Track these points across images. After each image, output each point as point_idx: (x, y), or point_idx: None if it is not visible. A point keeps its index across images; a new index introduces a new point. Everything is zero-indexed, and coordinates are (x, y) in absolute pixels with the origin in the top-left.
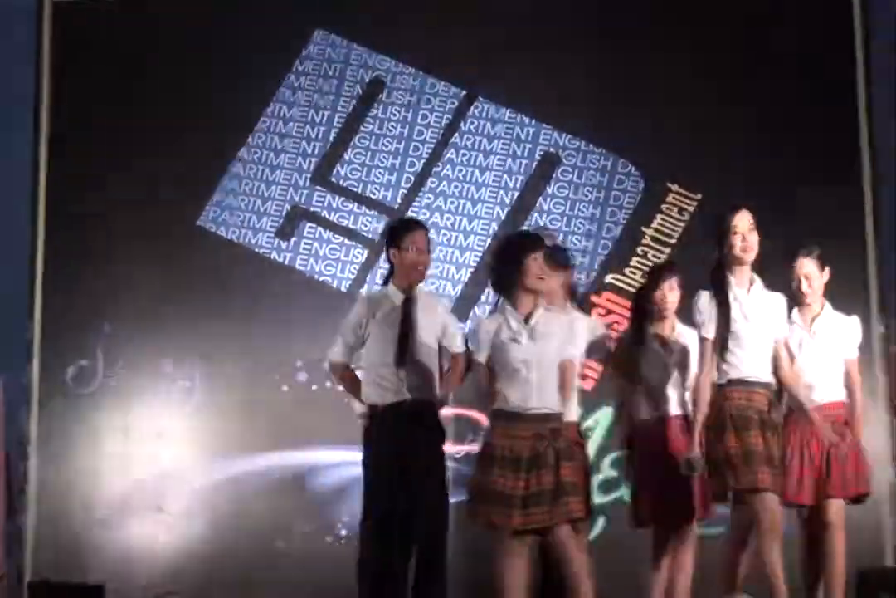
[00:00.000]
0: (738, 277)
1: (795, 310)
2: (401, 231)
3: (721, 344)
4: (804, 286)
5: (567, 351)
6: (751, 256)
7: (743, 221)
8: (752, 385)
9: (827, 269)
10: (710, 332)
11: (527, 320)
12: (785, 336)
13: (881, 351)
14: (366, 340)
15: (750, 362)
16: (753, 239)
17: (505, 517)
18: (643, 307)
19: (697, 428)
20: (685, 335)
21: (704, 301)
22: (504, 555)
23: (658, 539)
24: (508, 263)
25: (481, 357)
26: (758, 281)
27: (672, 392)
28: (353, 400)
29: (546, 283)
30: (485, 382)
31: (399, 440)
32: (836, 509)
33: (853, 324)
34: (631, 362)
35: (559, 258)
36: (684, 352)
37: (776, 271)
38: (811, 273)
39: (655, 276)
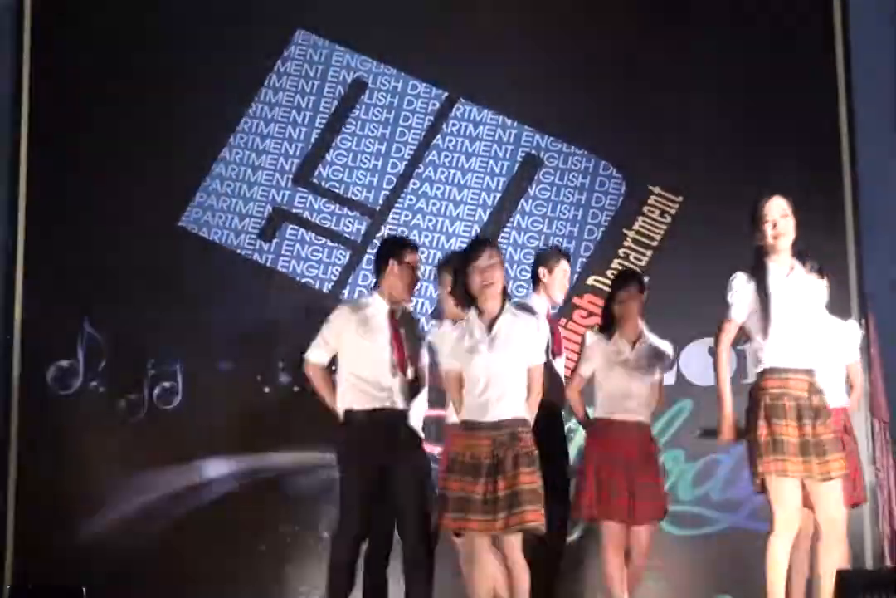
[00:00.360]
0: (775, 263)
1: None
2: (406, 247)
3: (761, 331)
4: None
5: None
6: (784, 241)
7: (773, 209)
8: (789, 372)
9: (825, 279)
10: (736, 315)
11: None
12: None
13: (861, 354)
14: (346, 345)
15: (787, 349)
16: (785, 225)
17: (464, 522)
18: (610, 313)
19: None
20: (651, 342)
21: (739, 283)
22: (469, 561)
23: (609, 535)
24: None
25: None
26: (797, 266)
27: (632, 396)
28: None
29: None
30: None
31: (375, 448)
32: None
33: (851, 328)
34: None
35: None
36: (649, 357)
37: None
38: None
39: (619, 283)
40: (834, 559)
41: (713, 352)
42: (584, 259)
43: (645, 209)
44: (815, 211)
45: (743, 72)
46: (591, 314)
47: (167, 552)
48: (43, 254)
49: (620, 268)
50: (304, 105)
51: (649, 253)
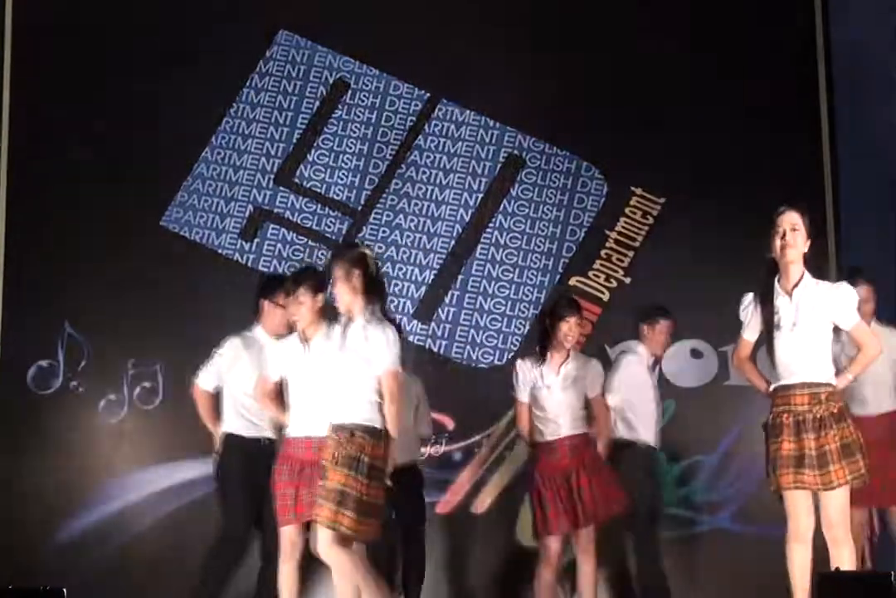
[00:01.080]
0: (783, 279)
1: None
2: (278, 290)
3: (767, 349)
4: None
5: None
6: (792, 254)
7: (786, 222)
8: (790, 388)
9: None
10: (748, 334)
11: None
12: (853, 325)
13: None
14: (234, 375)
15: (790, 367)
16: (793, 237)
17: None
18: (545, 339)
19: None
20: (580, 364)
21: (746, 302)
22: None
23: (548, 549)
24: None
25: None
26: (806, 277)
27: (566, 417)
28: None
29: None
30: None
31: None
32: None
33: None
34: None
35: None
36: (579, 380)
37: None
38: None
39: (557, 312)
40: (844, 562)
41: (696, 354)
42: (565, 260)
43: (627, 210)
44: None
45: (725, 72)
46: None
47: (147, 552)
48: (24, 253)
49: (603, 269)
50: (286, 105)
51: (631, 254)
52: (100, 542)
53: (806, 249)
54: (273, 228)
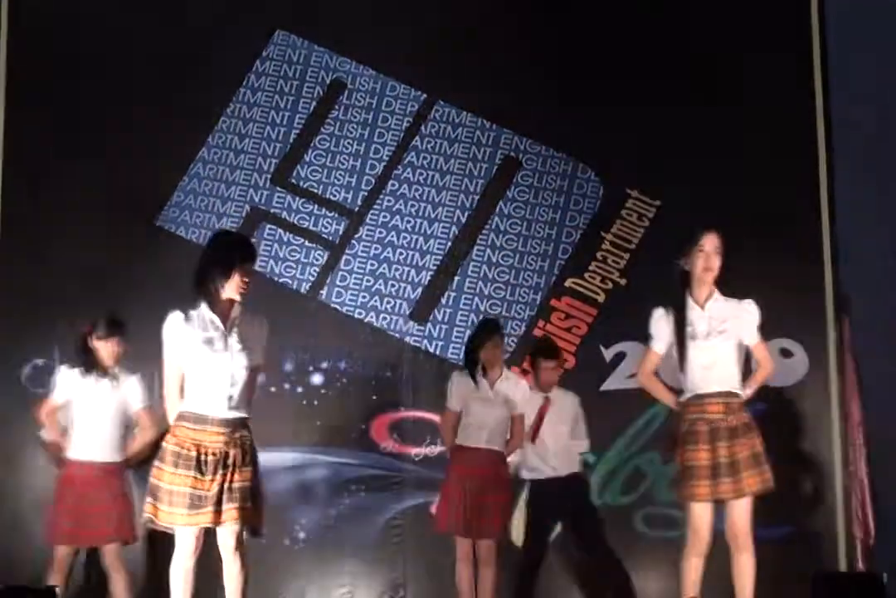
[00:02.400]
0: (695, 292)
1: None
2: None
3: (679, 361)
4: None
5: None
6: (710, 276)
7: (710, 243)
8: (706, 397)
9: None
10: (658, 347)
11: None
12: (756, 342)
13: (835, 359)
14: None
15: (704, 376)
16: (716, 262)
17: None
18: (474, 358)
19: None
20: (511, 384)
21: (657, 317)
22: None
23: (460, 549)
24: None
25: None
26: (716, 293)
27: (490, 428)
28: None
29: None
30: None
31: None
32: None
33: None
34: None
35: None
36: (508, 398)
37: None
38: None
39: (481, 333)
40: (744, 570)
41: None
42: (561, 262)
43: (623, 213)
44: (791, 214)
45: (722, 78)
46: (568, 316)
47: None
48: (22, 252)
49: (599, 271)
50: (282, 105)
51: (627, 256)
52: None
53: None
54: (270, 229)
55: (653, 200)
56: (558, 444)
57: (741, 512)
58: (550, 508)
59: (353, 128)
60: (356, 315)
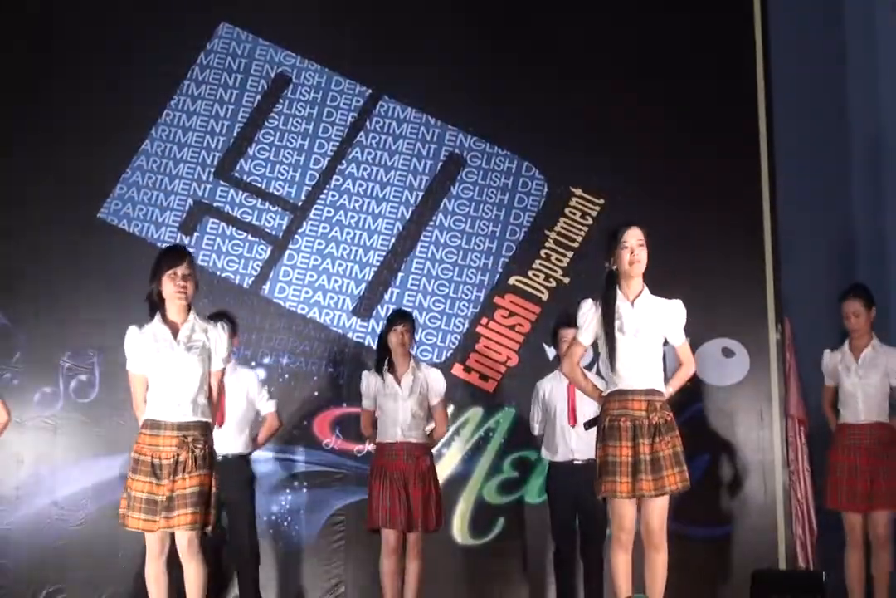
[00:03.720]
0: (625, 289)
1: (846, 344)
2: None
3: (606, 356)
4: (853, 323)
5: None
6: (638, 269)
7: (632, 237)
8: (630, 394)
9: (874, 307)
10: (584, 338)
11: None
12: (682, 342)
13: (777, 358)
14: None
15: (629, 373)
16: (641, 254)
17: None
18: (385, 350)
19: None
20: (422, 374)
21: (584, 309)
22: None
23: (387, 543)
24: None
25: None
26: (645, 291)
27: (402, 422)
28: None
29: None
30: None
31: None
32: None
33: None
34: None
35: None
36: (420, 389)
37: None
38: (859, 311)
39: (390, 319)
40: (658, 570)
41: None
42: (505, 259)
43: (566, 211)
44: (735, 212)
45: (665, 76)
46: (512, 314)
47: (82, 545)
48: None
49: (542, 268)
50: (226, 99)
51: (570, 254)
52: (33, 536)
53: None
54: (213, 223)
55: (597, 199)
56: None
57: (659, 511)
58: (566, 495)
59: (297, 122)
60: (299, 310)
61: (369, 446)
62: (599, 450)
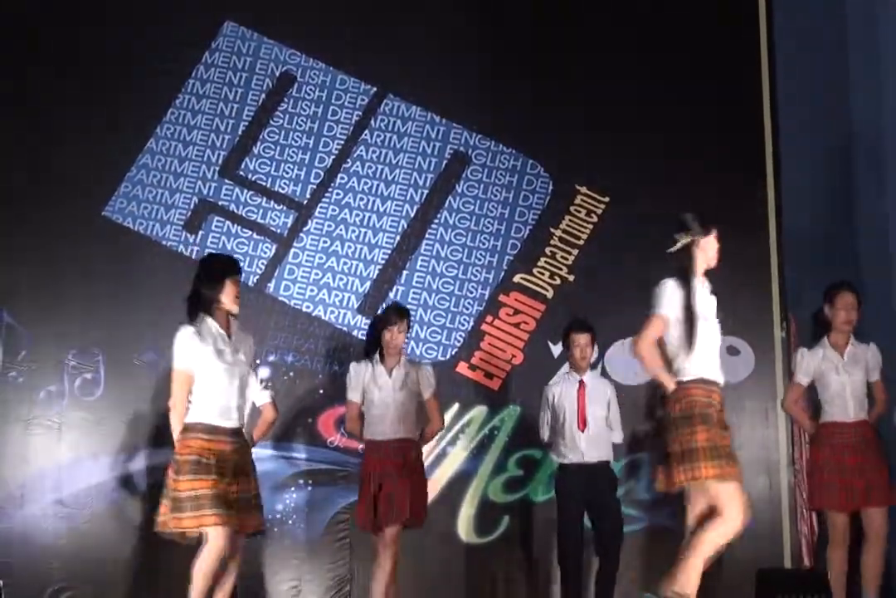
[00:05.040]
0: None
1: (826, 339)
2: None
3: (686, 338)
4: (849, 316)
5: None
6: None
7: (713, 242)
8: (713, 385)
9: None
10: (666, 312)
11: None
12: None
13: (781, 356)
14: None
15: (712, 361)
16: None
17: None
18: (377, 344)
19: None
20: (412, 369)
21: (671, 286)
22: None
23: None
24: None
25: None
26: (707, 283)
27: (395, 419)
28: None
29: None
30: None
31: None
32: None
33: (873, 350)
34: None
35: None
36: (410, 384)
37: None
38: (855, 304)
39: (385, 318)
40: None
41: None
42: (510, 257)
43: (571, 208)
44: (739, 212)
45: (669, 78)
46: (517, 312)
47: (87, 543)
48: None
49: (547, 266)
50: (231, 97)
51: (575, 252)
52: (38, 533)
53: None
54: (217, 221)
55: (602, 197)
56: (593, 428)
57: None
58: (574, 495)
59: (302, 121)
60: (304, 308)
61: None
62: (698, 433)
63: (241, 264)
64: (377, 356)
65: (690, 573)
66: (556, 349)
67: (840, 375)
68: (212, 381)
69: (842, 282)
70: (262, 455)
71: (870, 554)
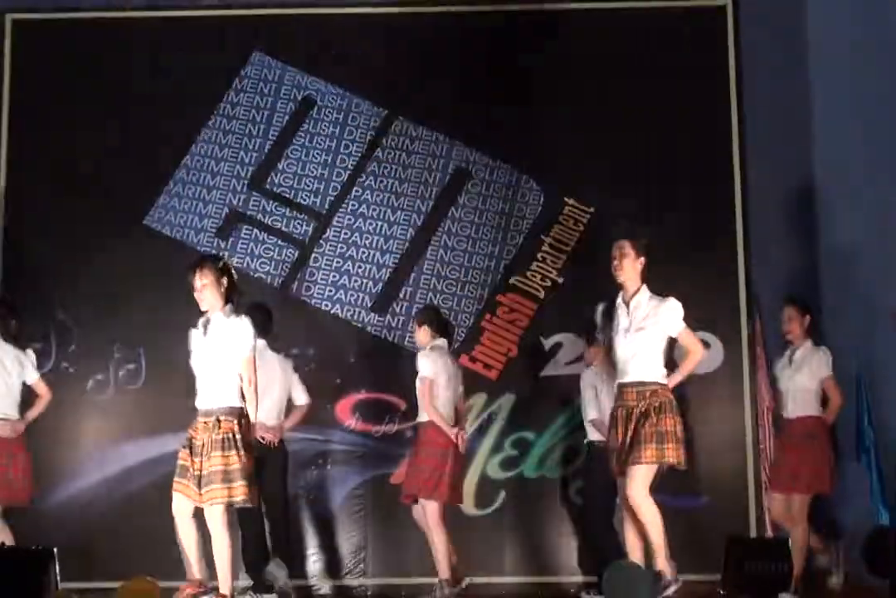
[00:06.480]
0: (624, 291)
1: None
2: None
3: (610, 352)
4: (787, 328)
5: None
6: (620, 275)
7: (615, 249)
8: (626, 386)
9: (808, 315)
10: (600, 338)
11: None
12: (678, 332)
13: (747, 350)
14: None
15: (626, 366)
16: (623, 263)
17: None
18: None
19: None
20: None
21: (598, 313)
22: None
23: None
24: None
25: None
26: (641, 292)
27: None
28: None
29: None
30: None
31: None
32: None
33: (821, 353)
34: None
35: None
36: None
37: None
38: (789, 318)
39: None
40: (637, 525)
41: None
42: (506, 261)
43: (560, 218)
44: (709, 221)
45: (652, 106)
46: (512, 310)
47: (127, 518)
48: (22, 250)
49: (538, 270)
50: (258, 119)
51: (563, 257)
52: (84, 509)
53: (640, 267)
54: (246, 229)
55: (587, 208)
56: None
57: (630, 479)
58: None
59: (321, 140)
60: (323, 307)
61: (385, 427)
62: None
63: (267, 268)
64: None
65: (660, 552)
66: (547, 344)
67: (786, 375)
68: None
69: (785, 297)
70: (289, 437)
71: (794, 530)
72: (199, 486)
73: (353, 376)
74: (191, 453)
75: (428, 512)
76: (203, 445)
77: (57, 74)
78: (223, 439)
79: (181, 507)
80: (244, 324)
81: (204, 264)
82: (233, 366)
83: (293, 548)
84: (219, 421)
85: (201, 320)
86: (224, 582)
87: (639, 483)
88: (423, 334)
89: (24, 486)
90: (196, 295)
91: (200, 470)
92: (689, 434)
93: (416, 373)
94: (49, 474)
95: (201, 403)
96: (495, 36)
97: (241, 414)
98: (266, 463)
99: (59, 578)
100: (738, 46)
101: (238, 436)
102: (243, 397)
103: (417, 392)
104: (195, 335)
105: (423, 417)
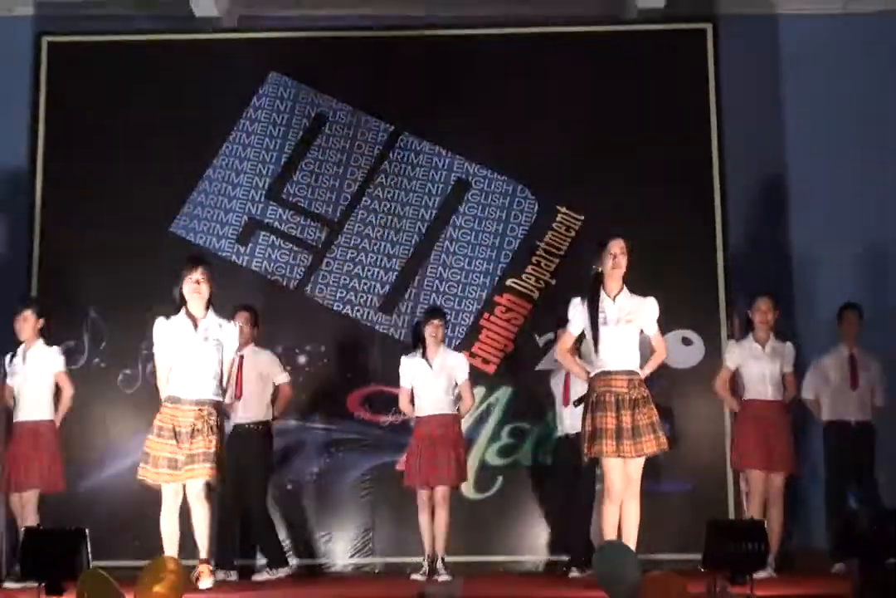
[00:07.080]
0: (607, 288)
1: (751, 335)
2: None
3: (593, 342)
4: (761, 318)
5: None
6: (619, 273)
7: (616, 246)
8: (614, 373)
9: (778, 311)
10: (574, 329)
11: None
12: (655, 332)
13: (726, 347)
14: None
15: (612, 356)
16: (623, 260)
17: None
18: (419, 333)
19: None
20: (449, 358)
21: (574, 305)
22: None
23: (420, 500)
24: None
25: None
26: (625, 289)
27: (434, 398)
28: None
29: None
30: None
31: None
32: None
33: (788, 347)
34: None
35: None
36: (449, 370)
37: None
38: (768, 309)
39: (426, 315)
40: (632, 515)
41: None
42: (503, 265)
43: (553, 225)
44: (692, 232)
45: (637, 120)
46: (509, 310)
47: (153, 502)
48: (56, 253)
49: (533, 273)
50: (275, 134)
51: (556, 261)
52: (114, 494)
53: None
54: (264, 235)
55: (578, 216)
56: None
57: (636, 468)
58: (564, 463)
59: (333, 153)
60: (335, 308)
61: (392, 418)
62: (588, 420)
63: (283, 271)
64: (421, 348)
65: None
66: (541, 340)
67: (761, 363)
68: (179, 361)
69: (762, 291)
70: (303, 427)
71: (770, 512)
72: (184, 465)
73: (362, 370)
74: (177, 440)
75: (439, 495)
76: (193, 430)
77: (90, 93)
78: (211, 425)
79: (175, 501)
80: (233, 327)
81: (204, 261)
82: (219, 362)
83: (305, 529)
84: (208, 409)
85: (199, 322)
86: (205, 548)
87: (640, 472)
88: (442, 332)
89: (58, 475)
90: (196, 287)
91: (190, 451)
92: (671, 424)
93: None
94: (82, 462)
95: (189, 393)
96: (493, 59)
97: (220, 404)
98: (252, 448)
99: (90, 556)
100: (717, 64)
101: (218, 424)
102: (223, 389)
103: (464, 391)
104: (186, 331)
105: (422, 412)
